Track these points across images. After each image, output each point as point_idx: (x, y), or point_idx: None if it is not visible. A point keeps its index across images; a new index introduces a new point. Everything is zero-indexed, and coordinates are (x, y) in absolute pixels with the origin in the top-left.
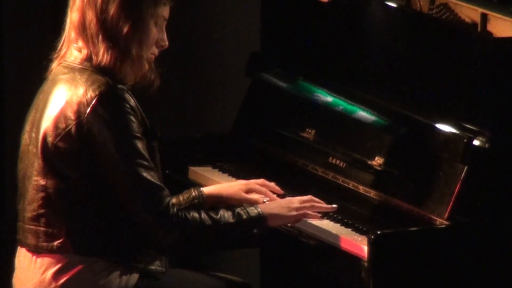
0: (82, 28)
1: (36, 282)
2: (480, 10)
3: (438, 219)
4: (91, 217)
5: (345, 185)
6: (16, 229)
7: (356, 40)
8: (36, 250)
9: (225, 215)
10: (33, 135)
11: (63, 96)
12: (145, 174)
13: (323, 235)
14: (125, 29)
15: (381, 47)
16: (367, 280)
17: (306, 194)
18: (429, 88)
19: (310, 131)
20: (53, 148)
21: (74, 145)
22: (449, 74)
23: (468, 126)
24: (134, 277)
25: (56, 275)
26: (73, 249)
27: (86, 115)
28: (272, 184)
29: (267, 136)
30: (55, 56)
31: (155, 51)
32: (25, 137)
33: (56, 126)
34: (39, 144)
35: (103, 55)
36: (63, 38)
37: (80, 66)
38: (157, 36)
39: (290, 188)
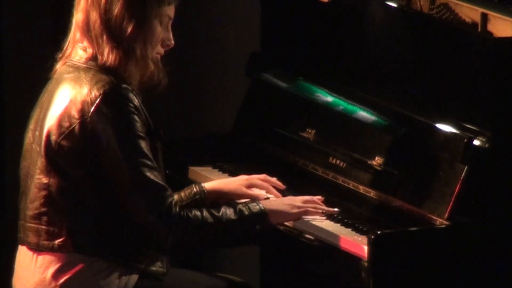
0: (87, 29)
1: (37, 281)
2: (480, 10)
3: (438, 219)
4: (93, 217)
5: (345, 185)
6: (17, 228)
7: (356, 40)
8: (37, 249)
9: (227, 212)
10: (37, 133)
11: (68, 95)
12: (148, 173)
13: (323, 235)
14: (129, 29)
15: (381, 47)
16: (367, 280)
17: (306, 194)
18: (429, 88)
19: (310, 131)
20: (57, 147)
21: (77, 144)
22: (449, 74)
23: (468, 126)
24: (134, 277)
25: (57, 274)
26: (74, 248)
27: (90, 114)
28: (274, 180)
29: (267, 136)
30: (60, 56)
31: (161, 50)
32: (29, 135)
33: (60, 124)
34: (43, 142)
35: (108, 55)
36: (68, 39)
37: (85, 66)
38: (163, 35)
39: (290, 188)
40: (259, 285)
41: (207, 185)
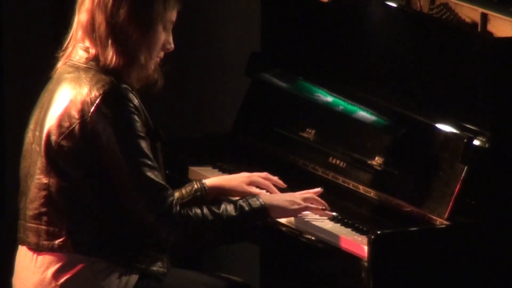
0: (91, 30)
1: (37, 281)
2: (480, 10)
3: (438, 219)
4: (93, 217)
5: (345, 185)
6: (17, 228)
7: (356, 40)
8: (37, 249)
9: (227, 208)
10: (37, 133)
11: (68, 95)
12: (149, 173)
13: (323, 235)
14: (135, 35)
15: (381, 47)
16: (367, 280)
17: None
18: (429, 88)
19: (310, 131)
20: (57, 147)
21: (77, 144)
22: (449, 74)
23: (468, 126)
24: (134, 277)
25: (57, 274)
26: (74, 248)
27: (90, 114)
28: (275, 178)
29: (267, 136)
30: (60, 54)
31: (161, 54)
32: (29, 135)
33: (60, 124)
34: (43, 142)
35: (111, 59)
36: (69, 36)
37: (85, 66)
38: (164, 39)
39: (290, 188)
40: (259, 285)
41: (208, 182)
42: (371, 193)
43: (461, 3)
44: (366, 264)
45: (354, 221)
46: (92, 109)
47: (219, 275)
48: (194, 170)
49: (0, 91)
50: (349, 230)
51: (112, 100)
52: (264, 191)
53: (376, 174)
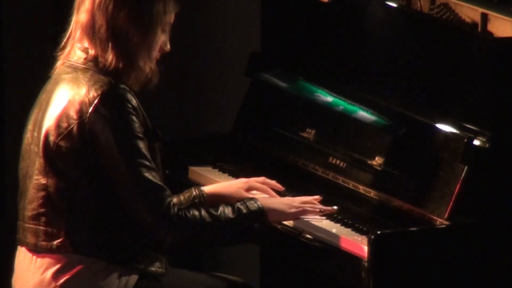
0: (91, 31)
1: (36, 281)
2: (480, 10)
3: (438, 219)
4: (91, 217)
5: (345, 185)
6: (16, 228)
7: (356, 40)
8: (36, 249)
9: (225, 210)
10: (35, 134)
11: (66, 95)
12: (146, 174)
13: (323, 235)
14: (135, 38)
15: (381, 47)
16: (367, 280)
17: (306, 194)
18: (429, 88)
19: (310, 131)
20: (55, 147)
21: (75, 145)
22: (449, 74)
23: (468, 126)
24: (134, 278)
25: (56, 275)
26: (73, 249)
27: (88, 115)
28: (273, 182)
29: (267, 136)
30: (59, 54)
31: (158, 55)
32: (27, 136)
33: (58, 125)
34: (41, 143)
35: (111, 61)
36: (67, 35)
37: (83, 66)
38: (162, 40)
39: (290, 188)
40: (259, 285)
41: (206, 189)
42: (371, 193)
43: (461, 3)
44: (366, 264)
45: (354, 221)
46: (90, 110)
47: (219, 275)
48: (194, 170)
49: (0, 91)
50: (349, 230)
51: (110, 100)
52: (262, 196)
53: (376, 174)
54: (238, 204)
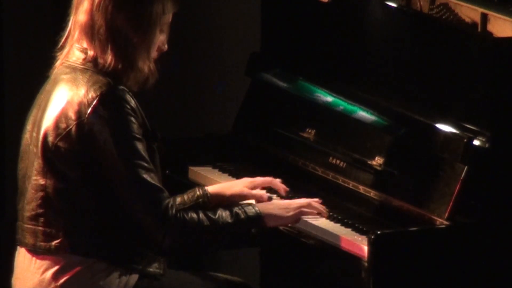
0: (90, 32)
1: (36, 282)
2: (480, 10)
3: (438, 219)
4: (89, 218)
5: (345, 185)
6: (16, 229)
7: (356, 40)
8: (35, 250)
9: (223, 214)
10: (34, 134)
11: (64, 96)
12: (144, 175)
13: (323, 235)
14: (135, 38)
15: (381, 47)
16: (367, 280)
17: (306, 194)
18: (429, 88)
19: (310, 131)
20: (54, 148)
21: (74, 146)
22: (449, 74)
23: (468, 126)
24: (134, 277)
25: (56, 275)
26: (71, 250)
27: (87, 116)
28: (278, 181)
29: (267, 136)
30: (58, 54)
31: (156, 55)
32: (26, 136)
33: (56, 126)
34: (40, 143)
35: (110, 62)
36: (65, 35)
37: (82, 67)
38: (160, 40)
39: (290, 188)
40: (259, 285)
41: (210, 189)
42: (371, 193)
43: (461, 3)
44: (366, 264)
45: (354, 221)
46: (89, 111)
47: (219, 275)
48: (194, 170)
49: (0, 91)
50: (349, 230)
51: (109, 101)
52: (268, 193)
53: (376, 174)
54: (236, 209)
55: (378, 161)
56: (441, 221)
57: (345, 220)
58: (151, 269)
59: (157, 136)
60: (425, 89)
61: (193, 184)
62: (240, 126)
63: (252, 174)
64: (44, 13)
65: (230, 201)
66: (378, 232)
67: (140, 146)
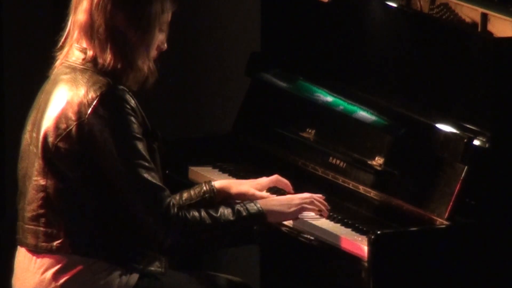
0: (90, 31)
1: (36, 282)
2: (480, 10)
3: (438, 219)
4: (90, 218)
5: (345, 185)
6: (16, 229)
7: (356, 40)
8: (36, 250)
9: (225, 212)
10: (34, 135)
11: (64, 96)
12: (145, 174)
13: (323, 235)
14: (134, 38)
15: (381, 47)
16: (367, 280)
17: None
18: (429, 88)
19: (310, 131)
20: (54, 149)
21: (74, 146)
22: (449, 74)
23: (468, 126)
24: (135, 276)
25: (56, 275)
26: (72, 250)
27: (87, 116)
28: (285, 181)
29: (267, 136)
30: (57, 54)
31: (155, 54)
32: (26, 136)
33: (56, 126)
34: (40, 144)
35: (110, 61)
36: (64, 35)
37: (81, 67)
38: (159, 39)
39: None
40: (259, 285)
41: (217, 184)
42: (371, 193)
43: (461, 3)
44: (366, 264)
45: (354, 221)
46: (89, 111)
47: (219, 275)
48: (194, 170)
49: (0, 91)
50: (349, 230)
51: (109, 101)
52: (273, 196)
53: (376, 174)
54: (238, 206)
55: (378, 161)
56: (441, 221)
57: (345, 220)
58: (152, 268)
59: (157, 135)
60: (425, 89)
61: (193, 184)
62: (240, 126)
63: (252, 174)
64: (44, 13)
65: (236, 199)
66: (378, 232)
67: (140, 145)
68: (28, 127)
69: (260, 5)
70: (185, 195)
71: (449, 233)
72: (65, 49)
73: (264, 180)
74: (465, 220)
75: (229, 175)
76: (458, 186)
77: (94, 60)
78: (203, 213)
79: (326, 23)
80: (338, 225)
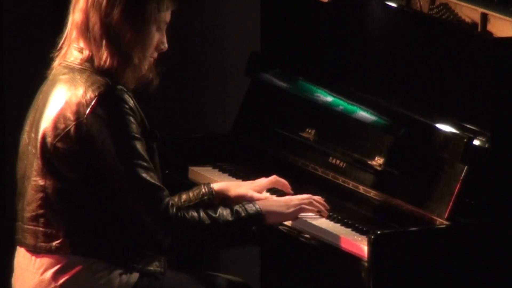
0: (85, 30)
1: (36, 282)
2: (480, 10)
3: (438, 219)
4: (89, 218)
5: (345, 185)
6: (16, 229)
7: (356, 40)
8: (35, 250)
9: (224, 213)
10: (32, 135)
11: (63, 96)
12: (144, 174)
13: (323, 235)
14: (128, 35)
15: (381, 47)
16: (367, 280)
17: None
18: (429, 88)
19: (310, 131)
20: (52, 149)
21: (73, 146)
22: (449, 74)
23: (468, 126)
24: (135, 276)
25: (56, 275)
26: (72, 250)
27: (85, 116)
28: (284, 182)
29: (267, 136)
30: (56, 54)
31: (155, 54)
32: (25, 137)
33: (55, 126)
34: (38, 144)
35: (106, 60)
36: (64, 36)
37: (80, 67)
38: (158, 39)
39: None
40: (259, 285)
41: (216, 186)
42: (371, 193)
43: (461, 3)
44: (366, 264)
45: (354, 221)
46: (87, 111)
47: (219, 275)
48: (194, 170)
49: (0, 91)
50: (349, 230)
51: (107, 101)
52: (273, 196)
53: (376, 174)
54: (237, 207)
55: (378, 161)
56: (441, 221)
57: (345, 220)
58: (151, 268)
59: (156, 135)
60: (425, 89)
61: (193, 184)
62: (240, 126)
63: (252, 174)
64: (44, 13)
65: (235, 201)
66: (378, 232)
67: (139, 145)
68: (27, 127)
69: (260, 5)
70: (183, 196)
71: (449, 233)
72: (64, 50)
73: (263, 181)
74: (465, 220)
75: (229, 175)
76: (458, 186)
77: (91, 59)
78: (202, 214)
79: (326, 23)
80: (338, 225)
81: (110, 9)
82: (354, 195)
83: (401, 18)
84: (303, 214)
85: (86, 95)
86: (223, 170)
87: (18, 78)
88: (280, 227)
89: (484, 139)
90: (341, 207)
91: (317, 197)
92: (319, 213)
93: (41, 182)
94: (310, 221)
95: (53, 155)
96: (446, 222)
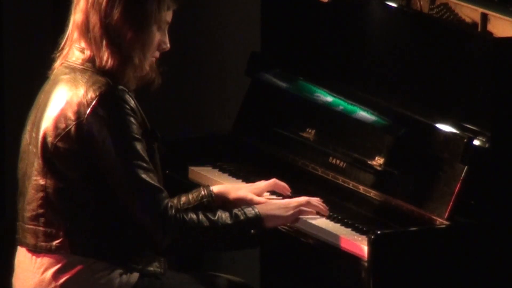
0: (86, 30)
1: (36, 281)
2: (480, 10)
3: (438, 219)
4: (89, 218)
5: (345, 185)
6: (16, 229)
7: (356, 40)
8: (35, 250)
9: (223, 216)
10: (33, 134)
11: (64, 96)
12: (144, 175)
13: (323, 235)
14: (129, 35)
15: (381, 47)
16: (367, 280)
17: (306, 195)
18: (429, 88)
19: (310, 131)
20: (53, 148)
21: (73, 146)
22: (449, 74)
23: (468, 126)
24: (135, 275)
25: (56, 275)
26: (72, 250)
27: (86, 116)
28: (283, 184)
29: (267, 136)
30: (57, 55)
31: (157, 54)
32: (26, 136)
33: (56, 126)
34: (39, 144)
35: (106, 60)
36: (65, 36)
37: (81, 67)
38: (159, 39)
39: (290, 188)
40: (259, 285)
41: (215, 189)
42: (371, 193)
43: (461, 3)
44: (366, 264)
45: (354, 221)
46: (88, 111)
47: (219, 275)
48: (194, 170)
49: (0, 91)
50: (349, 230)
51: (108, 102)
52: (272, 199)
53: (376, 174)
54: (236, 210)
55: (378, 161)
56: (441, 221)
57: (345, 220)
58: (151, 268)
59: (157, 136)
60: (425, 89)
61: (193, 184)
62: (240, 126)
63: (252, 174)
64: (44, 13)
65: (234, 204)
66: (378, 232)
67: (139, 146)
68: (28, 127)
69: (260, 5)
70: (183, 199)
71: (449, 233)
72: (65, 50)
73: (262, 184)
74: (465, 220)
75: (229, 175)
76: (458, 186)
77: (92, 59)
78: (201, 216)
79: (326, 23)
80: (338, 225)
81: (110, 10)
82: (354, 195)
83: (401, 18)
84: (302, 215)
85: (87, 95)
86: (223, 170)
87: (18, 78)
88: (280, 227)
89: (484, 139)
90: (341, 207)
91: (316, 199)
92: (318, 214)
93: (41, 182)
94: (310, 221)
95: (53, 155)
96: (446, 222)
